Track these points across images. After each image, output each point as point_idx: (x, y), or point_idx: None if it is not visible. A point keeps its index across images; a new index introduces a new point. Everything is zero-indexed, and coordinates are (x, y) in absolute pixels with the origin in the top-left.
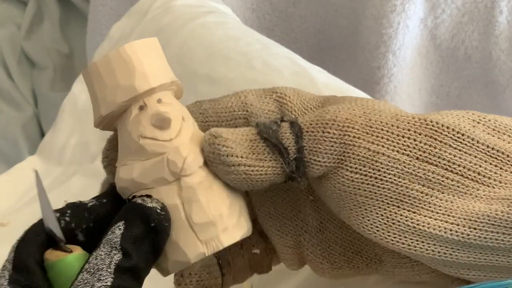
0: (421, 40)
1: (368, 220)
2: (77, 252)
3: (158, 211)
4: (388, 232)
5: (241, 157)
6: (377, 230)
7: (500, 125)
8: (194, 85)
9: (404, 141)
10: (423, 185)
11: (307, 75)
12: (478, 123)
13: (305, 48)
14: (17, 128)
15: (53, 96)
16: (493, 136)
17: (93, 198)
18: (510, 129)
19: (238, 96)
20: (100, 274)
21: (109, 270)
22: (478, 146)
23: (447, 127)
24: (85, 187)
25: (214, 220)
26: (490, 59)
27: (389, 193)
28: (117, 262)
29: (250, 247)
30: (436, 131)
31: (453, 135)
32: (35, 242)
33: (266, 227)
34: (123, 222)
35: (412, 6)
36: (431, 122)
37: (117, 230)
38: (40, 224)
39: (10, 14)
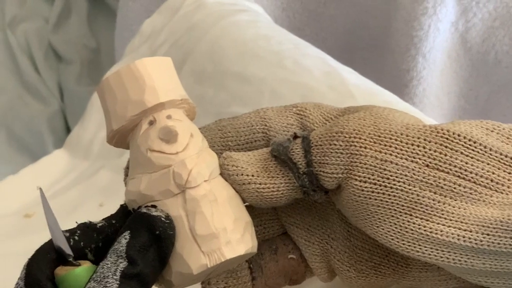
0: (452, 44)
1: (382, 229)
2: (86, 265)
3: (163, 219)
4: (403, 240)
5: (252, 175)
6: (392, 239)
7: None
8: (224, 83)
9: (413, 149)
10: (434, 193)
11: (337, 75)
12: (492, 131)
13: (334, 49)
14: (43, 121)
15: (79, 91)
16: (507, 144)
17: (103, 219)
18: None
19: (258, 112)
20: (106, 281)
21: (114, 277)
22: (491, 154)
23: (458, 135)
24: (112, 181)
25: (217, 232)
26: None
27: (400, 201)
28: (122, 269)
29: (286, 253)
30: (447, 138)
31: (465, 142)
32: (46, 259)
33: (293, 236)
34: (128, 231)
35: (444, 9)
36: (442, 130)
37: (123, 240)
38: (49, 243)
39: (38, 8)
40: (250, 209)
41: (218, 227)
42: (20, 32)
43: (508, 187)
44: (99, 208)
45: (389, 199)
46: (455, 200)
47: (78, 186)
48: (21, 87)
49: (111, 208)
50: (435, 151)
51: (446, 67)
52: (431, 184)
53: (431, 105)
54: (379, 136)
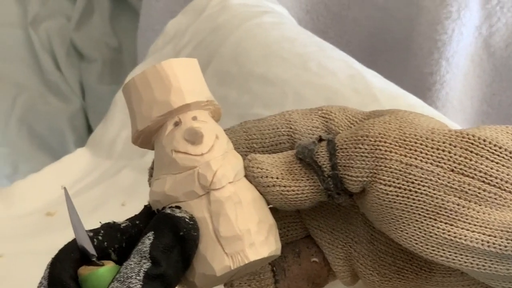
0: (475, 48)
1: (407, 233)
2: (109, 265)
3: (187, 220)
4: (426, 245)
5: (276, 178)
6: (416, 243)
7: None
8: (248, 85)
9: (439, 154)
10: (459, 197)
11: (362, 78)
12: None
13: (358, 51)
14: (64, 120)
15: (101, 89)
16: None
17: (127, 220)
18: None
19: (283, 114)
20: (130, 282)
21: (138, 277)
22: None
23: (484, 140)
24: (134, 181)
25: (241, 234)
26: None
27: (424, 205)
28: (146, 270)
29: (309, 256)
30: (472, 143)
31: (490, 148)
32: (69, 259)
33: (317, 239)
34: (152, 232)
35: (468, 13)
36: (467, 135)
37: (147, 240)
38: (73, 243)
39: (61, 6)
40: (274, 211)
41: (242, 229)
42: (42, 30)
43: None
44: (121, 208)
45: (414, 203)
46: (480, 205)
47: (100, 186)
48: (43, 85)
49: (133, 208)
50: (460, 156)
51: (469, 71)
52: (456, 189)
53: (454, 109)
54: (404, 140)
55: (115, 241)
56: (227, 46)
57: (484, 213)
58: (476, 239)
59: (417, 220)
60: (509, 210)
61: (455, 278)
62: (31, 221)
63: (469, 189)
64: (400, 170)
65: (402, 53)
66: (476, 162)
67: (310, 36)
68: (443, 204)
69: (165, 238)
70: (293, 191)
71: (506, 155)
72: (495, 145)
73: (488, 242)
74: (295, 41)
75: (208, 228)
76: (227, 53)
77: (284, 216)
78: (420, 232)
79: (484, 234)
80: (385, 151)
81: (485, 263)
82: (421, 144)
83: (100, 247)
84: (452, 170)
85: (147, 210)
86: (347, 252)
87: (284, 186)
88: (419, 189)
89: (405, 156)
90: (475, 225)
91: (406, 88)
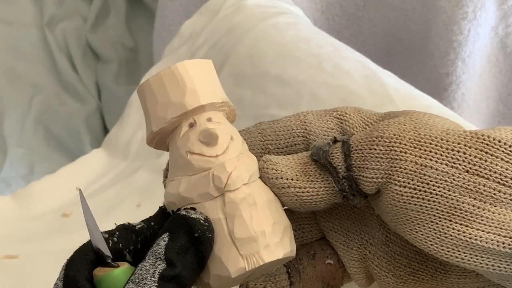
0: (491, 48)
1: (422, 235)
2: (124, 267)
3: (202, 222)
4: (442, 246)
5: (291, 179)
6: (431, 244)
7: None
8: (263, 85)
9: (453, 155)
10: (474, 198)
11: (377, 79)
12: None
13: (373, 52)
14: (80, 120)
15: (117, 90)
16: None
17: (142, 221)
18: None
19: (298, 116)
20: (145, 283)
21: (153, 279)
22: None
23: (499, 141)
24: (150, 182)
25: (255, 236)
26: None
27: (439, 206)
28: (161, 271)
29: (323, 258)
30: (487, 144)
31: (505, 148)
32: (84, 261)
33: (332, 241)
34: (167, 233)
35: (484, 14)
36: (482, 136)
37: (162, 242)
38: (88, 244)
39: (77, 6)
40: (289, 213)
41: (257, 231)
42: (58, 31)
43: None
44: (136, 209)
45: (429, 204)
46: (495, 206)
47: (116, 186)
48: (59, 86)
49: (149, 209)
50: (475, 157)
51: (485, 71)
52: (471, 190)
53: (470, 110)
54: (419, 141)
55: (130, 242)
56: (242, 47)
57: (499, 214)
58: (492, 240)
59: (432, 221)
60: None
61: (470, 279)
62: (46, 222)
63: (484, 190)
64: (415, 171)
65: (418, 54)
66: (491, 163)
67: (325, 37)
68: (458, 205)
69: (180, 239)
70: (308, 192)
71: None
72: (510, 146)
73: (503, 243)
74: (310, 41)
75: (223, 230)
76: (242, 53)
77: (299, 217)
78: (435, 233)
79: (499, 235)
80: (400, 152)
81: (501, 264)
82: (436, 145)
83: (115, 248)
84: (467, 171)
85: (162, 212)
86: (362, 254)
87: (299, 188)
88: (434, 190)
89: (420, 157)
90: (490, 226)
91: (421, 89)
